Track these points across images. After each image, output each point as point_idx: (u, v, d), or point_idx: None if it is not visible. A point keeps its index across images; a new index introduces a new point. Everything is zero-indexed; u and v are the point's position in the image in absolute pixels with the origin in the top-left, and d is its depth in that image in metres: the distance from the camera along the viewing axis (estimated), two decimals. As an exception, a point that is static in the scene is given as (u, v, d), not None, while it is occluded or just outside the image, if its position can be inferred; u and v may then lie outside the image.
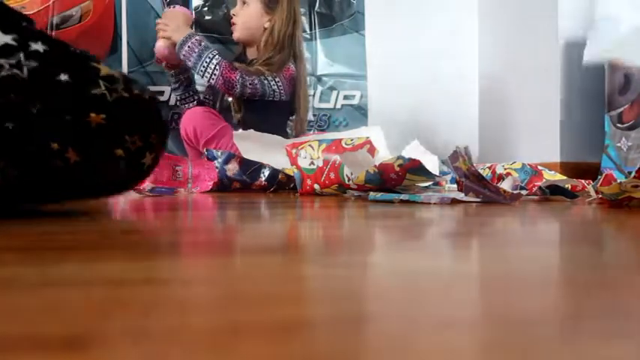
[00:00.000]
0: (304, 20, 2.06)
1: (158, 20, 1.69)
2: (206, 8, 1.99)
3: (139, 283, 0.28)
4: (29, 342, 0.18)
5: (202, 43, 1.62)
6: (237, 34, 1.77)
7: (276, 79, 1.68)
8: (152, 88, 1.94)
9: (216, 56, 1.61)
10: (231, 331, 0.20)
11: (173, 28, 1.63)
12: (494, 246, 0.44)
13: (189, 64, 1.62)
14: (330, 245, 0.45)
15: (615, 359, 0.17)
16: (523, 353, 0.18)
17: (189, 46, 1.60)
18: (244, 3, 1.74)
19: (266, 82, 1.67)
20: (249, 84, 1.63)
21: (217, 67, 1.59)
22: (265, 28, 1.73)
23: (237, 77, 1.62)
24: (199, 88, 1.86)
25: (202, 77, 1.63)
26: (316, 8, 2.09)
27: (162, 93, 1.95)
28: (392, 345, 0.18)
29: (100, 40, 1.92)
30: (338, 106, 2.12)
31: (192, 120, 1.64)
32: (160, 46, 1.67)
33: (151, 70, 1.94)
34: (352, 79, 2.13)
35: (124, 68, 1.92)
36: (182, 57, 1.62)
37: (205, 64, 1.60)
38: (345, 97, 2.13)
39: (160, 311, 0.23)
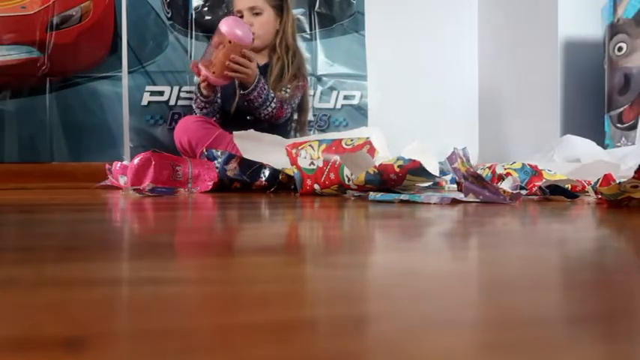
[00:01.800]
0: (304, 20, 2.06)
1: (233, 56, 1.53)
2: (206, 8, 1.99)
3: (139, 283, 0.28)
4: (29, 342, 0.18)
5: (266, 87, 1.63)
6: (255, 42, 1.73)
7: (300, 97, 1.75)
8: (151, 89, 1.93)
9: (274, 100, 1.65)
10: (231, 331, 0.20)
11: (254, 66, 1.57)
12: (494, 246, 0.44)
13: (253, 105, 1.63)
14: (330, 245, 0.45)
15: (615, 359, 0.17)
16: (523, 353, 0.18)
17: (258, 92, 1.61)
18: (256, 13, 1.72)
19: (293, 103, 1.73)
20: (287, 113, 1.70)
21: (274, 111, 1.65)
22: (278, 31, 1.74)
23: (283, 115, 1.68)
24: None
25: (258, 116, 1.65)
26: (316, 8, 2.09)
27: (162, 93, 1.95)
28: (392, 345, 0.18)
29: (100, 40, 1.92)
30: (338, 106, 2.12)
31: (186, 132, 1.62)
32: (221, 82, 1.59)
33: (151, 70, 1.93)
34: (352, 79, 2.13)
35: (124, 68, 1.92)
36: (247, 98, 1.61)
37: (266, 105, 1.64)
38: (345, 97, 2.13)
39: (159, 311, 0.22)
